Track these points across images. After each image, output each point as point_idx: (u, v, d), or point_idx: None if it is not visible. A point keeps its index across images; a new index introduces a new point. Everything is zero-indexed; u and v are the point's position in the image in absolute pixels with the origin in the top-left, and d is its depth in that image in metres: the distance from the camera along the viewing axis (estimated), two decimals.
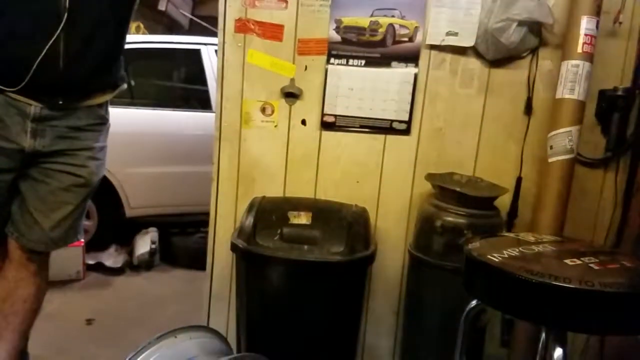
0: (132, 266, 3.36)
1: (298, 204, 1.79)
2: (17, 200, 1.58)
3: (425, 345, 1.79)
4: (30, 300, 1.65)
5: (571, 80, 1.64)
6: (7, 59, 1.44)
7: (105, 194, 3.28)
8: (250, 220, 1.70)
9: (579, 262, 1.16)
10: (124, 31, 1.63)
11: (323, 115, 1.91)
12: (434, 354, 1.74)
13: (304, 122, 1.93)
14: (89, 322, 2.59)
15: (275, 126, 1.94)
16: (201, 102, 3.58)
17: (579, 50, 1.63)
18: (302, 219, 1.71)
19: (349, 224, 1.69)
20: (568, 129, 1.65)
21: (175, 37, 4.43)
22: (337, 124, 1.92)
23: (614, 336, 1.73)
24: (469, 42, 1.81)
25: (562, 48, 1.72)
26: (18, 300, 1.63)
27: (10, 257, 1.63)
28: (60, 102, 1.51)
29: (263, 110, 1.92)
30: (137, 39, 3.94)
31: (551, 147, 1.68)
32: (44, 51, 1.41)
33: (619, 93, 1.78)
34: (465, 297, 1.31)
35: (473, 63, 1.86)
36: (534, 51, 1.82)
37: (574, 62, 1.64)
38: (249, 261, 1.67)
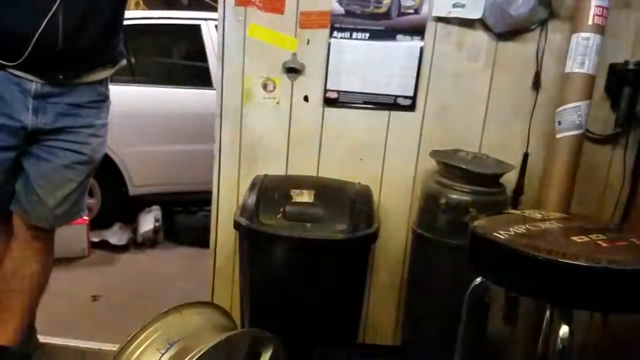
0: (136, 244, 3.39)
1: (301, 182, 1.78)
2: (21, 178, 1.58)
3: (429, 321, 1.80)
4: (37, 277, 1.67)
5: (581, 53, 1.60)
6: (6, 33, 1.41)
7: (109, 173, 3.29)
8: (252, 199, 1.69)
9: (586, 239, 1.15)
10: (122, 5, 1.60)
11: (326, 91, 1.88)
12: (438, 330, 1.74)
13: (306, 99, 1.90)
14: (95, 298, 2.62)
15: (277, 102, 1.91)
16: (202, 79, 3.53)
17: (590, 22, 1.59)
18: (305, 197, 1.70)
19: (352, 202, 1.68)
20: (577, 104, 1.62)
21: (174, 12, 4.35)
22: (340, 100, 1.89)
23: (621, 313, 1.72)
24: (476, 14, 1.76)
25: (572, 20, 1.67)
26: (25, 277, 1.64)
27: (15, 235, 1.63)
28: (61, 77, 1.49)
29: (265, 86, 1.89)
30: (136, 15, 3.87)
31: (559, 123, 1.65)
32: (43, 25, 1.39)
33: (630, 67, 1.74)
34: (469, 274, 1.30)
35: (480, 36, 1.81)
36: (543, 23, 1.77)
37: (584, 34, 1.60)
38: (252, 239, 1.66)
